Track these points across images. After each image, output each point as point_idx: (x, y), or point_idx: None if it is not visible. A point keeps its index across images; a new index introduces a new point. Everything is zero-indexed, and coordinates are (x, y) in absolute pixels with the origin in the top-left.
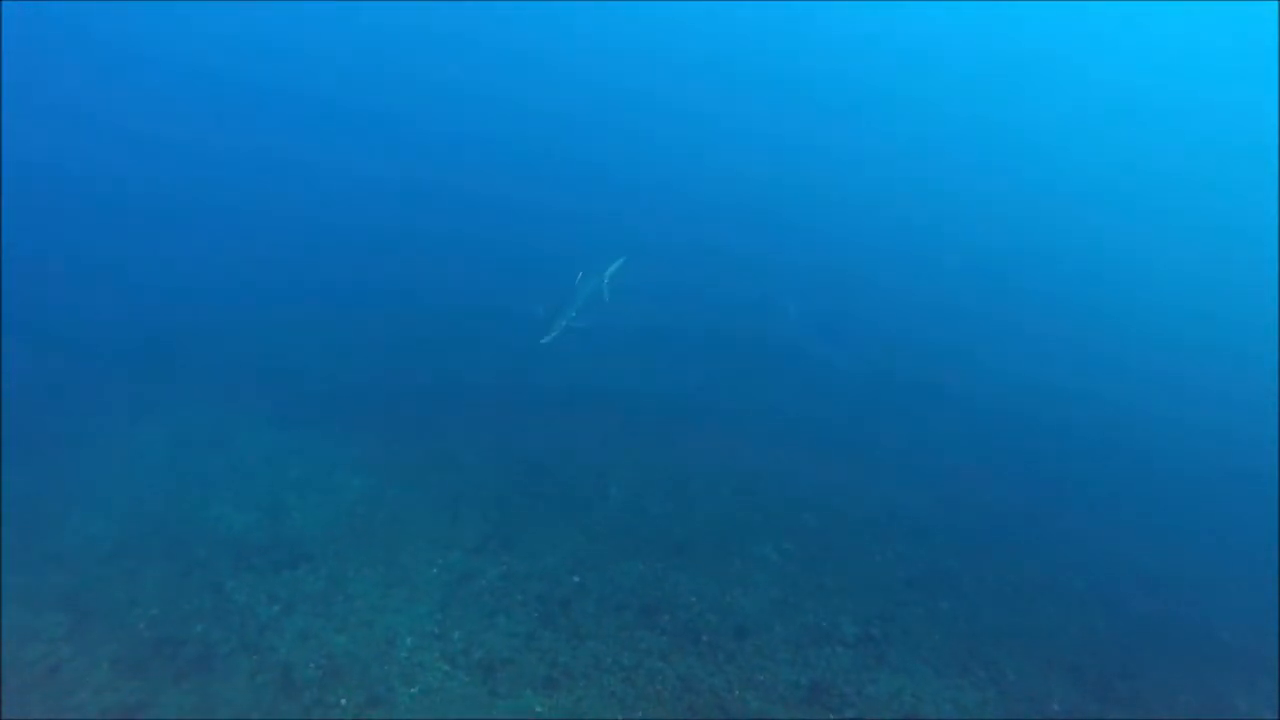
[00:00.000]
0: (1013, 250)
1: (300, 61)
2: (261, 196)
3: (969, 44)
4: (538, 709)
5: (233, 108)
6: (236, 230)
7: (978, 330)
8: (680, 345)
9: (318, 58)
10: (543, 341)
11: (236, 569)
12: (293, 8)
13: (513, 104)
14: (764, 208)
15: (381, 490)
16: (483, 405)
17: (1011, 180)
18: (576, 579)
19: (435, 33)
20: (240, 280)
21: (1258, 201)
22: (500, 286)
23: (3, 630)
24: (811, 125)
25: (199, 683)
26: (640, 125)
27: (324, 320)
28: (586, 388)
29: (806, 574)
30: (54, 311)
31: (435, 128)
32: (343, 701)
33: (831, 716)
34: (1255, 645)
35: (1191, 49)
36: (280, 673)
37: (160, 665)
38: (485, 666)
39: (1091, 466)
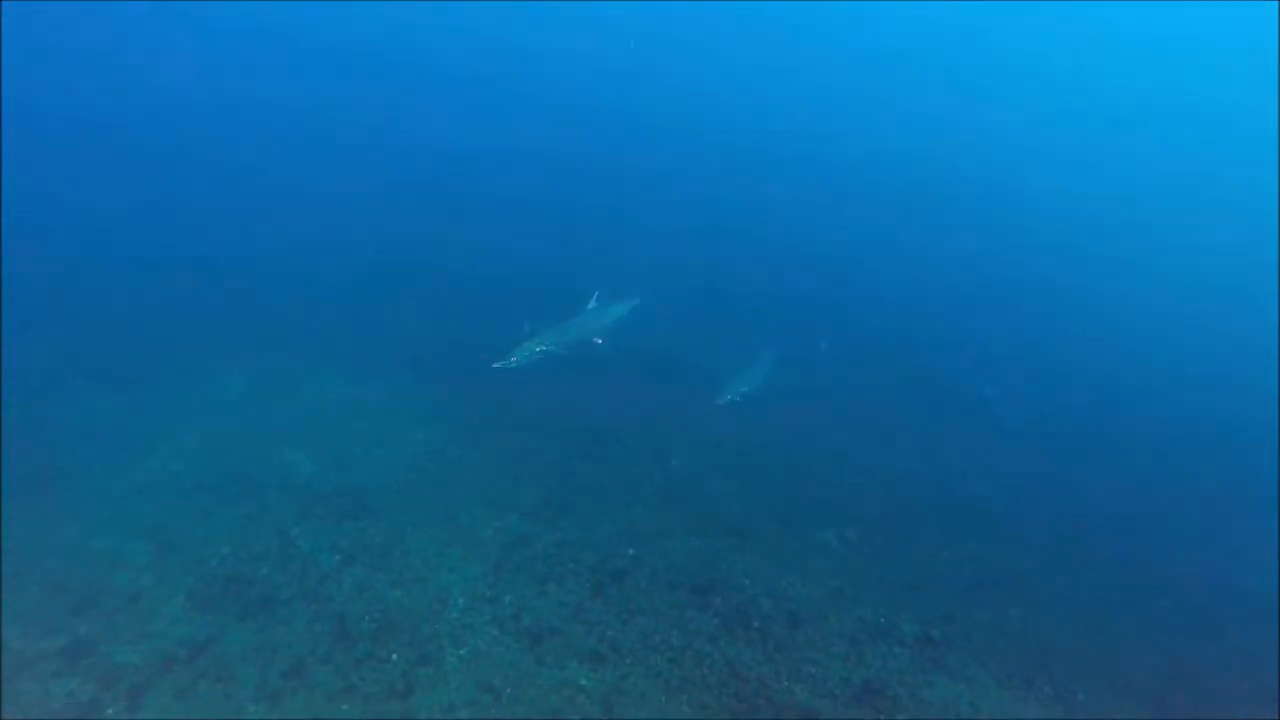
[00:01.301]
0: (1117, 232)
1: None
2: (344, 158)
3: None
4: (582, 682)
5: (322, 72)
6: (316, 189)
7: (1071, 311)
8: (755, 322)
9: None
10: (494, 366)
11: (302, 516)
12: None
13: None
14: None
15: (445, 447)
16: (550, 369)
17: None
18: (631, 551)
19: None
20: (321, 235)
21: None
22: (577, 254)
23: (91, 556)
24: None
25: (261, 624)
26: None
27: (401, 279)
28: (656, 359)
29: (868, 565)
30: (152, 256)
31: (532, 94)
32: (394, 657)
33: (881, 718)
34: None
35: None
36: (336, 622)
37: (228, 603)
38: (533, 634)
39: (1196, 478)
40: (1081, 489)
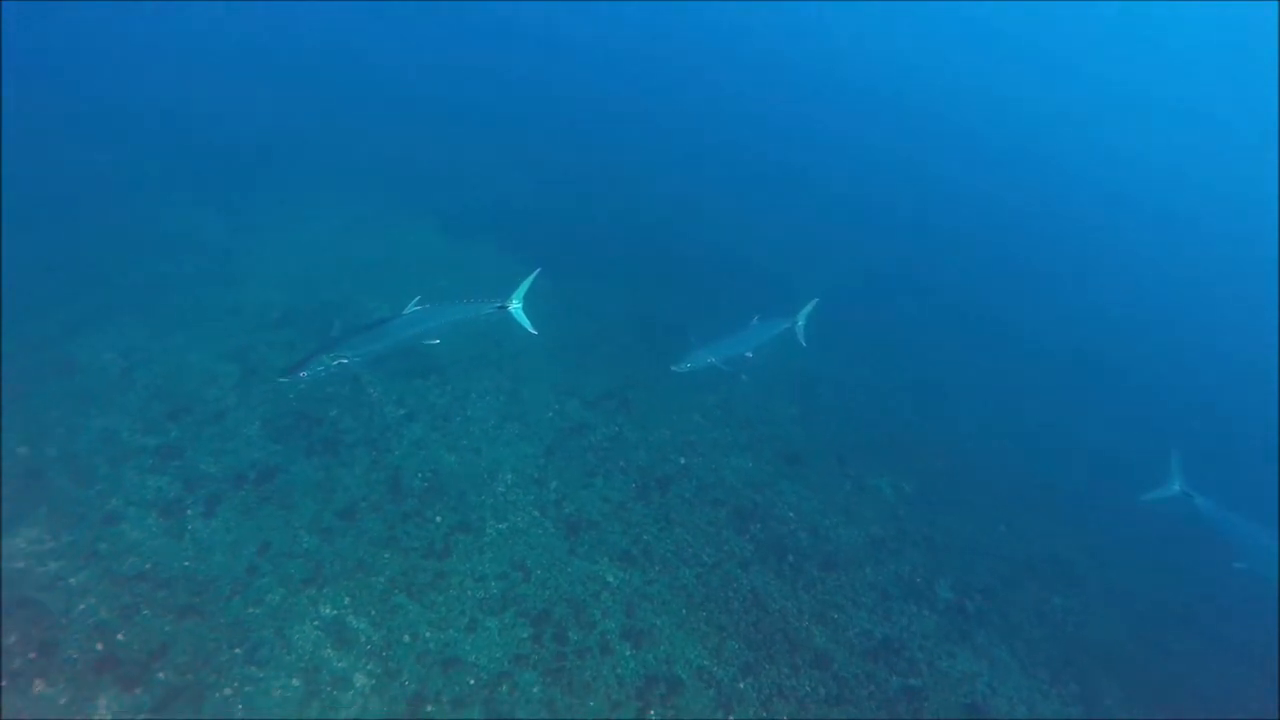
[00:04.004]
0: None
1: None
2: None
3: None
4: (609, 579)
5: None
6: (443, 58)
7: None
8: (851, 252)
9: None
10: (280, 381)
11: (375, 365)
12: None
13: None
14: None
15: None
16: (638, 262)
17: None
18: (683, 461)
19: None
20: (425, 95)
21: None
22: (682, 162)
23: (188, 368)
24: None
25: (325, 462)
26: None
27: (507, 147)
28: (749, 266)
29: (917, 522)
30: (271, 86)
31: None
32: (438, 519)
33: (894, 678)
34: None
35: None
36: (391, 473)
37: (298, 437)
38: (572, 524)
39: None
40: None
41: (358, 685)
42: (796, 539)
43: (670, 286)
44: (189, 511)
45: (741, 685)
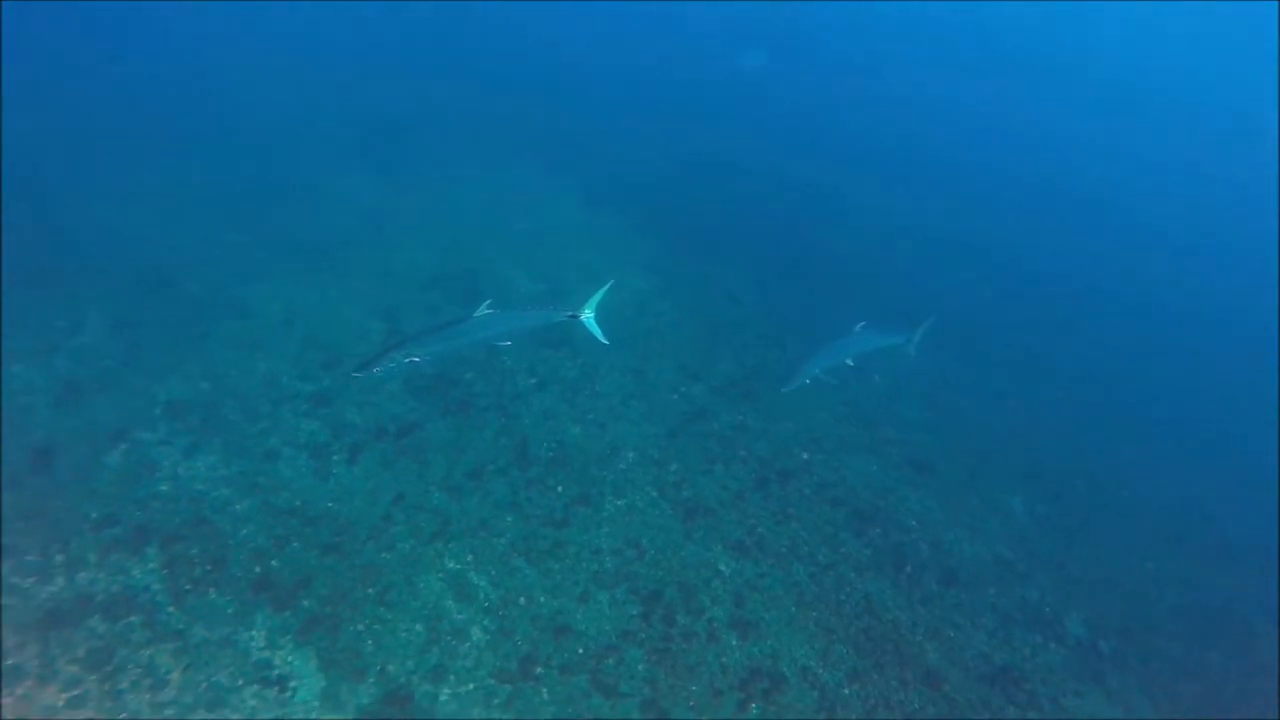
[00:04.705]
0: None
1: None
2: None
3: None
4: (721, 567)
5: None
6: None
7: None
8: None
9: None
10: (354, 375)
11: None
12: None
13: None
14: None
15: (655, 299)
16: (782, 255)
17: None
18: (805, 456)
19: None
20: (582, 75)
21: None
22: (836, 155)
23: (342, 322)
24: None
25: (458, 423)
26: None
27: (658, 131)
28: (893, 263)
29: (1050, 547)
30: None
31: None
32: (559, 489)
33: (1010, 708)
34: None
35: None
36: (519, 441)
37: (435, 397)
38: (689, 508)
39: None
40: None
41: (474, 639)
42: (917, 549)
43: (812, 281)
44: (334, 457)
45: (846, 691)
